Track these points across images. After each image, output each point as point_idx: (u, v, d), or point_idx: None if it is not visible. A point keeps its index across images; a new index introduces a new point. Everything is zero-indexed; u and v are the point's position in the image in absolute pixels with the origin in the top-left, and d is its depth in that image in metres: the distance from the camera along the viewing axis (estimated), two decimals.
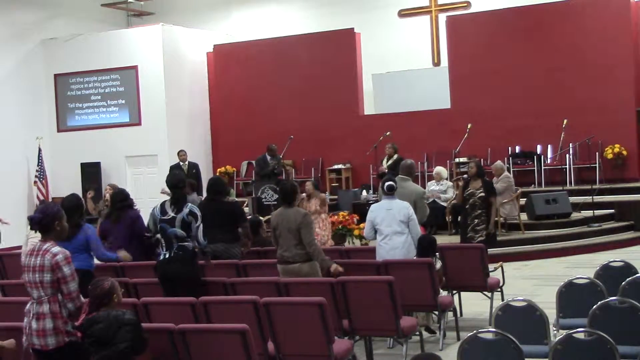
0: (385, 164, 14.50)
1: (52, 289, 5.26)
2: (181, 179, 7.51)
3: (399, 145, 15.23)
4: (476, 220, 10.42)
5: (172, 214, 7.16)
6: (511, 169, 15.93)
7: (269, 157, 15.24)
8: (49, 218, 5.38)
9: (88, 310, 5.30)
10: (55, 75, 19.57)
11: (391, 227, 8.16)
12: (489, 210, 10.51)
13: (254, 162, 16.40)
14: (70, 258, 5.35)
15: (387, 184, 8.41)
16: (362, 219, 13.40)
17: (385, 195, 8.40)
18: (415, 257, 8.07)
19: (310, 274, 7.47)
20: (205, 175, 17.29)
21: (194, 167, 16.14)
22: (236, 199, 15.76)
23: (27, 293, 5.43)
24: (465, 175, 11.80)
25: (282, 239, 7.56)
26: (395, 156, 14.51)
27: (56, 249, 5.32)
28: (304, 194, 11.49)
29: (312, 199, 11.50)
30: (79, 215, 7.31)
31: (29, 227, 5.50)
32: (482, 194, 10.45)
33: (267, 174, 15.13)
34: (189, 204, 7.29)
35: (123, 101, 19.09)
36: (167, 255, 7.18)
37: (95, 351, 5.20)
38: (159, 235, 7.31)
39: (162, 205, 7.32)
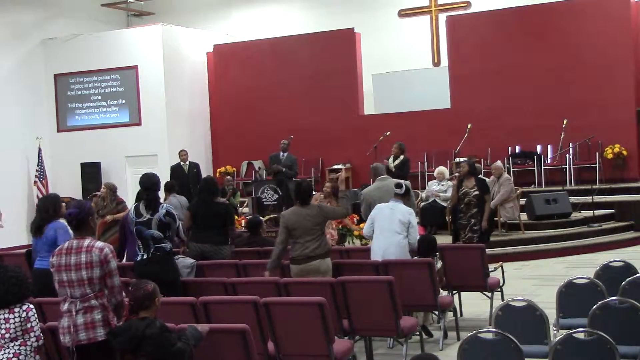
0: (391, 164, 14.41)
1: (100, 284, 5.26)
2: (154, 182, 7.39)
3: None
4: (473, 220, 10.44)
5: (148, 216, 7.18)
6: (511, 169, 15.94)
7: (282, 153, 15.29)
8: (85, 213, 5.38)
9: (128, 313, 5.22)
10: (55, 75, 19.57)
11: (391, 225, 8.13)
12: (483, 208, 10.52)
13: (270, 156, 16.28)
14: (115, 252, 5.39)
15: (403, 183, 8.43)
16: (362, 219, 13.42)
17: (393, 198, 8.38)
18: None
19: (327, 271, 7.51)
20: (205, 175, 17.29)
21: (194, 167, 16.14)
22: (240, 200, 15.79)
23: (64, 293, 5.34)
24: (457, 174, 11.81)
25: (303, 238, 7.51)
26: (402, 157, 14.33)
27: (100, 243, 5.34)
28: (319, 194, 11.45)
29: (327, 200, 11.36)
30: (54, 212, 7.38)
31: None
32: (477, 193, 10.45)
33: (272, 172, 15.13)
34: (165, 205, 7.34)
35: (123, 101, 19.09)
36: (144, 257, 7.20)
37: (123, 357, 5.15)
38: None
39: (137, 207, 7.31)
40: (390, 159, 14.61)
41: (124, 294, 5.39)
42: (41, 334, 5.27)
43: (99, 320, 5.23)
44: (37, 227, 7.34)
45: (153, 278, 7.02)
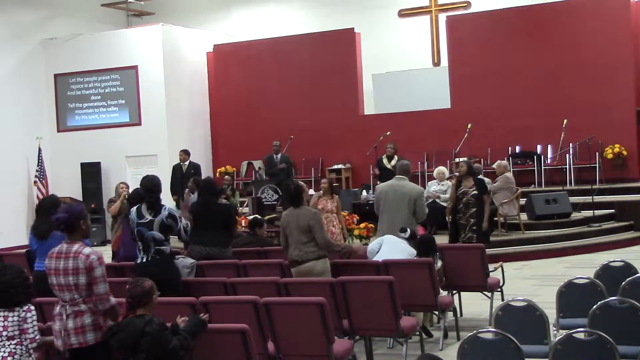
0: (389, 165, 14.49)
1: (88, 290, 5.24)
2: (155, 184, 7.31)
3: (398, 145, 15.25)
4: (472, 220, 10.42)
5: (150, 217, 7.15)
6: (511, 169, 15.93)
7: (275, 155, 15.85)
8: (74, 217, 5.35)
9: (126, 311, 5.21)
10: (55, 75, 19.56)
11: (398, 244, 8.12)
12: (482, 208, 10.50)
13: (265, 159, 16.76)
14: (103, 259, 5.34)
15: (407, 228, 8.35)
16: (362, 219, 13.44)
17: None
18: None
19: (323, 273, 7.52)
20: (206, 175, 17.29)
21: (193, 167, 16.18)
22: (240, 200, 15.87)
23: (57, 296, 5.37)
24: (456, 173, 11.81)
25: (292, 238, 7.62)
26: (396, 157, 14.52)
27: (87, 250, 5.30)
28: (313, 193, 11.50)
29: (328, 198, 11.38)
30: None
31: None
32: (475, 192, 10.45)
33: (274, 173, 15.67)
34: (167, 207, 7.28)
35: (123, 101, 19.09)
36: (144, 259, 7.16)
37: (121, 356, 5.15)
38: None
39: (139, 209, 7.26)
40: (385, 160, 14.65)
41: (112, 299, 5.36)
42: (36, 337, 5.26)
43: (89, 324, 5.23)
44: (44, 232, 7.34)
45: (153, 280, 7.06)
